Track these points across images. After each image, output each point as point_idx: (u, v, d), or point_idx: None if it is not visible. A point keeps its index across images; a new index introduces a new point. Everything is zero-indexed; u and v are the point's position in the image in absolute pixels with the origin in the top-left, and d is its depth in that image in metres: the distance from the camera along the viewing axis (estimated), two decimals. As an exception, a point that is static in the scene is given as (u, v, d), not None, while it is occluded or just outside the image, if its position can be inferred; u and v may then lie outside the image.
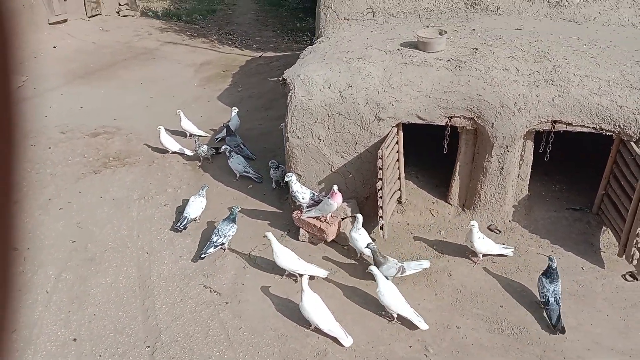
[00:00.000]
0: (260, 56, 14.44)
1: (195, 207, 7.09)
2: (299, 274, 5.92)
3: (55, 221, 7.03)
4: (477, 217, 6.90)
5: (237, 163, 8.02)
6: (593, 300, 5.89)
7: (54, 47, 13.79)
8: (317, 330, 5.39)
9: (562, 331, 5.43)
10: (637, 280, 6.15)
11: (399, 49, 7.02)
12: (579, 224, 6.79)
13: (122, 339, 5.34)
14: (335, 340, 5.34)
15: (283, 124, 7.09)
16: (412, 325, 5.51)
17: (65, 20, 14.74)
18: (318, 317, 5.32)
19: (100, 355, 5.15)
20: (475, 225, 6.13)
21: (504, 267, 6.31)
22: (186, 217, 6.98)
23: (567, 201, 7.12)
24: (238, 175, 8.11)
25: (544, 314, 5.61)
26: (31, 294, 5.74)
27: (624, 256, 6.16)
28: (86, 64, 13.01)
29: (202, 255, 6.41)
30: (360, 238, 6.20)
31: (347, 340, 5.31)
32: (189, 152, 8.66)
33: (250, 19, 18.61)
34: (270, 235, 6.12)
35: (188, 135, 9.27)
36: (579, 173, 7.45)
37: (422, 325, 5.44)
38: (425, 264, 6.07)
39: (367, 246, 5.96)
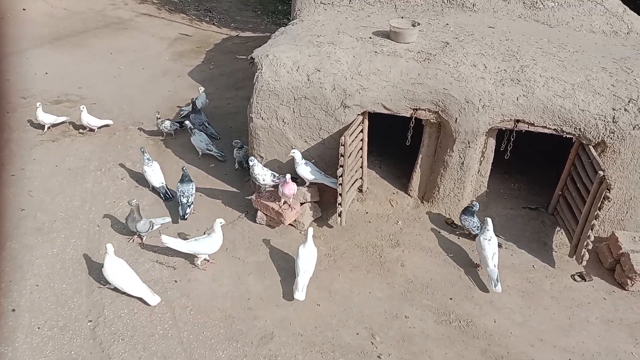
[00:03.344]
0: (237, 35, 14.20)
1: (157, 175, 7.06)
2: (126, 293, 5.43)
3: (6, 188, 6.79)
4: (435, 210, 6.95)
5: (199, 140, 7.88)
6: (541, 298, 5.98)
7: (24, 9, 13.31)
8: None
9: None
10: (585, 281, 6.27)
11: (370, 37, 6.95)
12: (534, 223, 6.88)
13: (64, 312, 5.20)
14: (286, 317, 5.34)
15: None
16: (360, 313, 5.54)
17: (37, -18, 14.24)
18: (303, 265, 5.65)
19: (38, 327, 5.00)
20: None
21: (459, 260, 6.36)
22: (161, 185, 7.08)
23: (524, 200, 7.21)
24: (200, 153, 7.97)
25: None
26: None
27: (574, 257, 6.28)
28: (56, 30, 12.59)
29: (185, 216, 6.63)
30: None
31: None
32: (110, 122, 8.51)
33: (232, -4, 18.25)
34: (109, 246, 5.38)
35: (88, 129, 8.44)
36: (539, 174, 7.54)
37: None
38: (167, 219, 6.49)
39: (129, 202, 6.16)
